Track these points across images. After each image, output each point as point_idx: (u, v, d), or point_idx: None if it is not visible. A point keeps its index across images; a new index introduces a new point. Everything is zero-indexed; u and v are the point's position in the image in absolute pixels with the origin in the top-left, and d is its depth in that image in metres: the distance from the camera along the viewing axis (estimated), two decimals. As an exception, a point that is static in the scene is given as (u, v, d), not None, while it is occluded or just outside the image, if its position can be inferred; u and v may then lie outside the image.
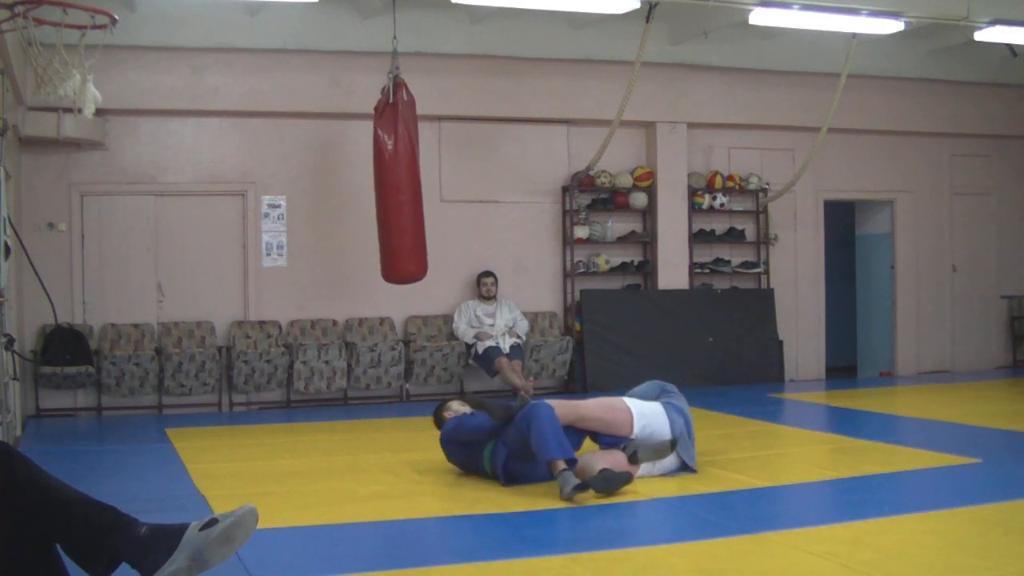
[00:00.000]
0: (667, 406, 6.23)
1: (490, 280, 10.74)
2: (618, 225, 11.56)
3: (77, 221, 9.96)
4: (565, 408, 5.93)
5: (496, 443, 5.94)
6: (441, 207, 10.76)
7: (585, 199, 11.46)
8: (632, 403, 6.17)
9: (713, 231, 11.87)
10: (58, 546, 3.36)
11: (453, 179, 10.96)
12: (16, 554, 3.27)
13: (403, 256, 9.40)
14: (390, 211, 9.30)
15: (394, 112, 9.19)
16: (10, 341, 7.23)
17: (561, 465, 5.57)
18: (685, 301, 11.43)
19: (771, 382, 11.45)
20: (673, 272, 11.55)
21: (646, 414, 6.12)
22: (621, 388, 10.63)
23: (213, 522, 3.34)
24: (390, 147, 9.20)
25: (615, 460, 5.79)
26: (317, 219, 10.59)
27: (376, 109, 9.34)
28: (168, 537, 3.31)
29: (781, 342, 11.90)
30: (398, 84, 9.22)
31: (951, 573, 4.17)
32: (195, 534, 3.31)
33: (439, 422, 6.51)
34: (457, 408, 6.51)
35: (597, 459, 5.78)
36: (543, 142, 11.33)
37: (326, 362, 10.08)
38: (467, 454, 6.17)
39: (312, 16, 10.06)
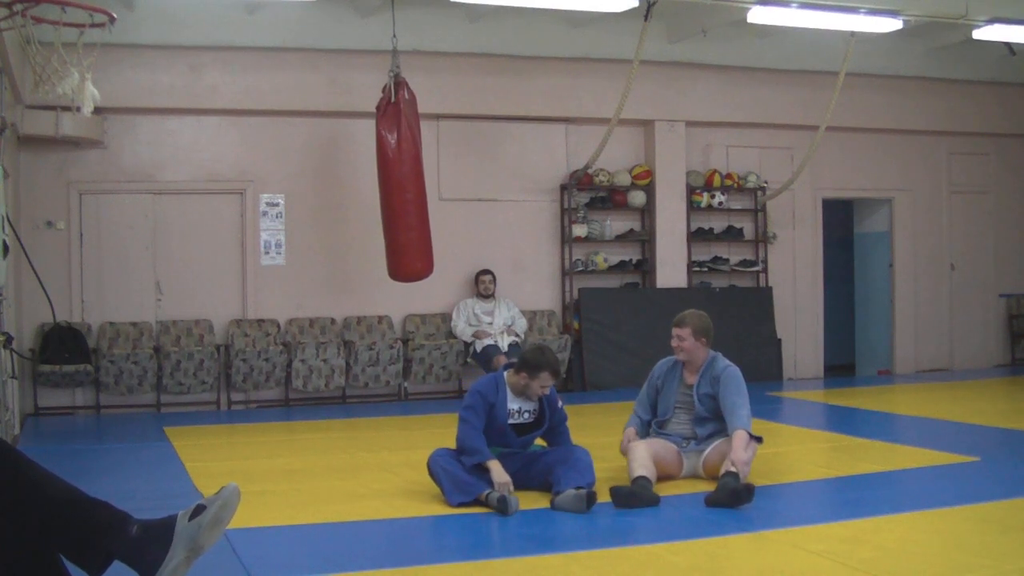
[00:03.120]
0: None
1: (488, 278, 10.74)
2: (616, 223, 11.56)
3: (76, 219, 9.95)
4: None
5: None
6: (440, 205, 10.74)
7: (583, 197, 11.46)
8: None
9: (711, 229, 11.87)
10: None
11: (452, 177, 10.96)
12: (13, 552, 3.27)
13: (411, 254, 9.41)
14: (396, 210, 9.30)
15: (396, 111, 9.19)
16: (8, 339, 7.23)
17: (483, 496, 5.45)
18: (683, 299, 11.33)
19: (769, 380, 11.45)
20: (671, 270, 11.56)
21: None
22: (620, 387, 10.75)
23: (201, 508, 3.35)
24: (393, 146, 9.21)
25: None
26: (315, 218, 10.58)
27: (378, 108, 9.34)
28: (160, 532, 3.31)
29: (779, 340, 11.91)
30: (399, 83, 9.21)
31: (949, 571, 4.17)
32: (186, 524, 3.32)
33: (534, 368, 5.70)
34: (539, 384, 5.72)
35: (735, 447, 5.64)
36: (542, 140, 11.32)
37: (324, 360, 10.08)
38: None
39: (311, 14, 10.05)
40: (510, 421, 5.75)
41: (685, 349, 6.11)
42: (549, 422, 5.83)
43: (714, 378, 6.05)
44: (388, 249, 9.47)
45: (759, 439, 5.86)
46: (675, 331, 6.11)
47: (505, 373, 5.82)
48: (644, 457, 5.69)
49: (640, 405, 6.33)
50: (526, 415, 5.81)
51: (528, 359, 5.74)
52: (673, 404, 6.16)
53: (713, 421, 6.04)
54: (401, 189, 9.25)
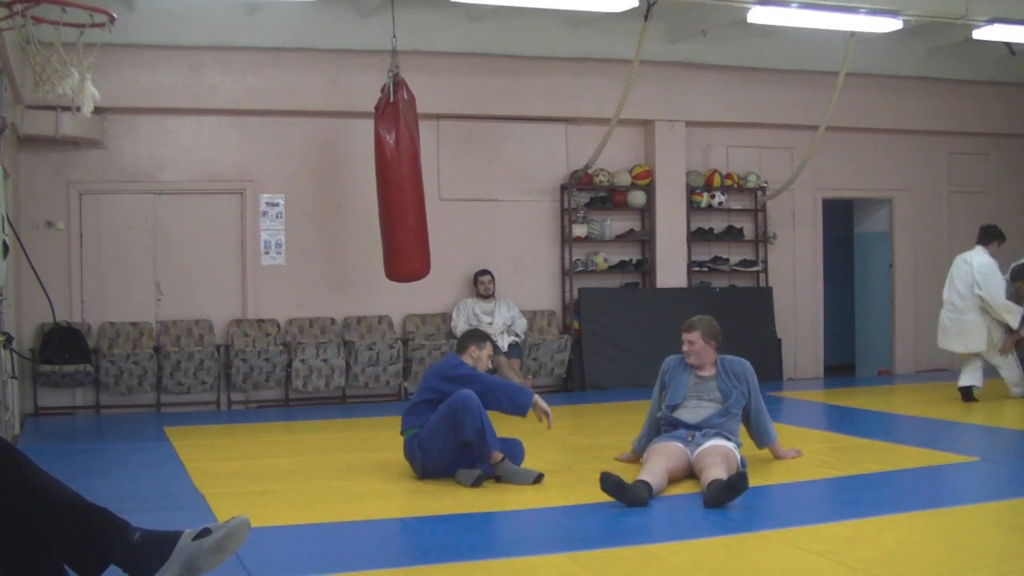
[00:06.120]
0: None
1: (487, 279, 10.74)
2: (616, 223, 11.56)
3: (75, 220, 9.95)
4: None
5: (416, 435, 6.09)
6: (440, 206, 10.75)
7: (583, 197, 11.46)
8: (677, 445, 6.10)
9: (711, 229, 11.87)
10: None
11: (452, 178, 10.96)
12: (14, 555, 3.27)
13: (408, 254, 9.42)
14: (394, 210, 9.31)
15: (395, 111, 9.20)
16: (8, 339, 7.22)
17: (499, 456, 5.93)
18: (683, 299, 11.41)
19: (769, 381, 11.40)
20: (671, 270, 11.55)
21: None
22: (620, 387, 10.75)
23: (206, 532, 3.35)
24: (392, 146, 9.21)
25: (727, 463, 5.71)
26: (315, 217, 10.59)
27: (377, 108, 9.34)
28: (161, 544, 3.32)
29: (779, 340, 11.91)
30: (398, 82, 9.22)
31: (949, 571, 4.17)
32: (188, 543, 3.32)
33: (463, 347, 6.41)
34: (487, 353, 6.40)
35: (708, 465, 5.65)
36: (541, 140, 11.32)
37: (324, 360, 10.08)
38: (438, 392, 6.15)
39: (311, 14, 10.05)
40: None
41: (696, 352, 6.35)
42: None
43: (736, 374, 6.31)
44: (385, 249, 9.47)
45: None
46: (685, 335, 6.36)
47: (460, 360, 6.28)
48: (658, 469, 5.64)
49: (652, 407, 6.47)
50: None
51: (469, 336, 6.48)
52: (684, 393, 6.27)
53: (733, 418, 6.20)
54: (399, 189, 9.26)
